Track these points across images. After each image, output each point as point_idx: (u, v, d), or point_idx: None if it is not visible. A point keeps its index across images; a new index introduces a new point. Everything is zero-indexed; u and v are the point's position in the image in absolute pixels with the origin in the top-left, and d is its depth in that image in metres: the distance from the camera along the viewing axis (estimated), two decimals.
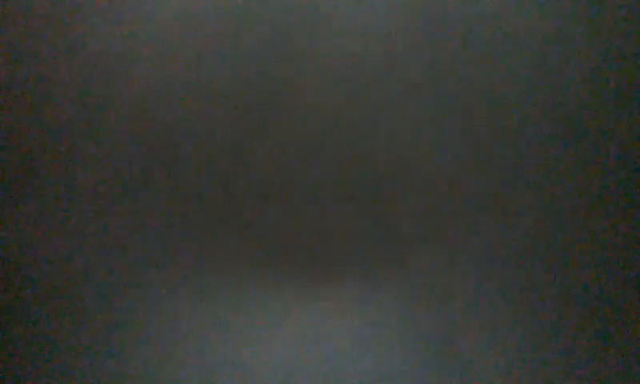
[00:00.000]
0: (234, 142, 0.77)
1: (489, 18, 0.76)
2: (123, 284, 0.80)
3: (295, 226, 0.80)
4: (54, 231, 0.78)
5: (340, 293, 0.81)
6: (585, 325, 0.82)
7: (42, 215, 0.78)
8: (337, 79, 0.76)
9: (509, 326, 0.82)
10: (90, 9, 0.75)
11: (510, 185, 0.82)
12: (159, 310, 0.80)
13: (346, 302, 0.81)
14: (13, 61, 0.75)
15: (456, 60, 0.77)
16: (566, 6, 0.77)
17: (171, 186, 0.78)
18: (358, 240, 0.82)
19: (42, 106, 0.75)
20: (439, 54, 0.76)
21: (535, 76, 0.78)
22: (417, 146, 0.79)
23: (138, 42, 0.74)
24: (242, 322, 0.80)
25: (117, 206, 0.78)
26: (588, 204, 0.83)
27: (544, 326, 0.82)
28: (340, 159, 0.80)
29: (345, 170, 0.81)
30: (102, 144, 0.77)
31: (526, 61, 0.77)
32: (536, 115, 0.79)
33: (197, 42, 0.74)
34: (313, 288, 0.81)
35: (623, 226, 0.83)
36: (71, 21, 0.74)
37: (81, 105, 0.76)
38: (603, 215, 0.83)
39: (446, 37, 0.76)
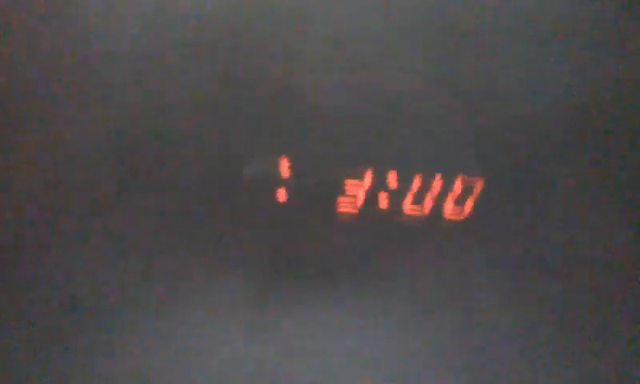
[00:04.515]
0: (233, 142, 0.76)
1: (489, 16, 0.78)
2: (123, 284, 0.79)
3: (294, 227, 0.80)
4: (54, 231, 0.78)
5: (340, 293, 0.81)
6: (585, 325, 0.82)
7: (42, 215, 0.78)
8: (335, 80, 0.77)
9: (510, 325, 0.82)
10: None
11: (510, 183, 0.81)
12: (159, 310, 0.79)
13: (346, 303, 0.80)
14: (13, 61, 0.76)
15: (457, 58, 0.77)
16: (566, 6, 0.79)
17: (171, 185, 0.78)
18: (357, 241, 0.81)
19: (42, 106, 0.76)
20: (440, 52, 0.77)
21: (536, 75, 0.79)
22: (417, 144, 0.79)
23: (134, 41, 0.75)
24: (241, 322, 0.80)
25: (116, 205, 0.77)
26: (588, 204, 0.82)
27: (546, 326, 0.82)
28: (339, 157, 0.79)
29: (343, 168, 0.80)
30: (102, 144, 0.77)
31: (526, 60, 0.78)
32: (537, 115, 0.79)
33: (192, 44, 0.76)
34: (313, 288, 0.80)
35: (623, 226, 0.82)
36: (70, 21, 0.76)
37: (80, 104, 0.77)
38: (603, 215, 0.82)
39: (447, 34, 0.77)
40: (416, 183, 0.78)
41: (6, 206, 0.78)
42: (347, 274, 0.81)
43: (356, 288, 0.81)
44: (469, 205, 0.80)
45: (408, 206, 0.79)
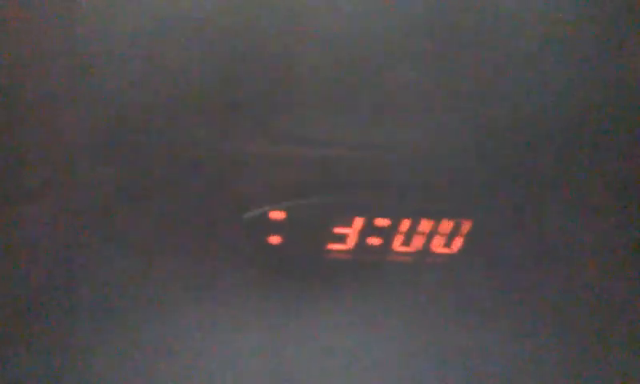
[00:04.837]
0: (232, 142, 0.76)
1: (489, 14, 0.76)
2: (124, 284, 0.79)
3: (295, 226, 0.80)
4: (54, 231, 0.78)
5: (339, 294, 0.82)
6: (585, 325, 0.83)
7: (41, 216, 0.78)
8: (334, 75, 0.76)
9: (508, 325, 0.83)
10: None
11: (509, 183, 0.81)
12: (159, 310, 0.80)
13: (345, 303, 0.82)
14: (12, 61, 0.74)
15: (456, 57, 0.76)
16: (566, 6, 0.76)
17: (170, 185, 0.77)
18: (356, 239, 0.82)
19: (41, 107, 0.75)
20: (440, 50, 0.76)
21: (535, 75, 0.77)
22: (415, 142, 0.79)
23: (132, 41, 0.74)
24: (241, 322, 0.81)
25: (116, 205, 0.77)
26: (588, 204, 0.82)
27: (544, 326, 0.84)
28: (337, 155, 0.79)
29: (342, 165, 0.79)
30: (101, 144, 0.77)
31: (526, 59, 0.77)
32: (536, 114, 0.78)
33: (189, 44, 0.74)
34: (313, 289, 0.82)
35: (623, 226, 0.82)
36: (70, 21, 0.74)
37: (78, 104, 0.76)
38: (603, 215, 0.82)
39: (447, 32, 0.76)
40: (404, 226, 0.81)
41: (6, 206, 0.77)
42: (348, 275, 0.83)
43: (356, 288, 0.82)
44: (457, 243, 0.82)
45: (398, 245, 0.82)
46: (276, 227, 0.80)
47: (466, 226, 0.81)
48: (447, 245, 0.82)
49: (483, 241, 0.82)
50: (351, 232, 0.80)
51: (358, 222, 0.80)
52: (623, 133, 0.81)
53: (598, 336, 0.85)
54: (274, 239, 0.81)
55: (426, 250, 0.82)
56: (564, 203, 0.82)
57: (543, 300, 0.84)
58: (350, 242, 0.81)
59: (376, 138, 0.78)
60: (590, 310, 0.85)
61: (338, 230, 0.80)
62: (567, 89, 0.79)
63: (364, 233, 0.80)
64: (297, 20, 0.75)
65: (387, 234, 0.81)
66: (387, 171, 0.79)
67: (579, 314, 0.84)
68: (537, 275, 0.83)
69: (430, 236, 0.81)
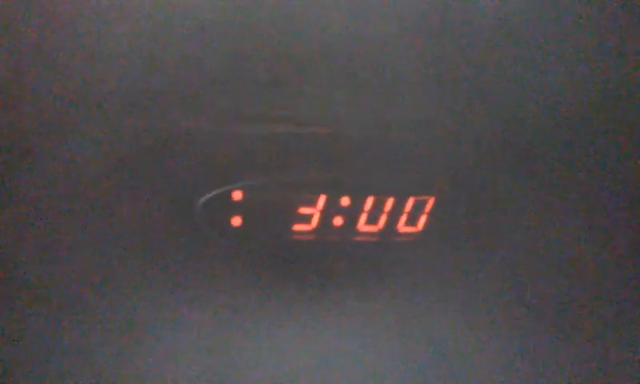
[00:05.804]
0: (232, 143, 0.76)
1: (489, 14, 0.76)
2: (123, 284, 0.79)
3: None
4: (53, 231, 0.77)
5: (339, 294, 0.82)
6: (585, 324, 0.85)
7: (40, 215, 0.77)
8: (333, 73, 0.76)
9: (505, 326, 0.84)
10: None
11: (508, 183, 0.82)
12: (159, 310, 0.80)
13: (345, 303, 0.82)
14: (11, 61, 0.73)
15: (455, 58, 0.76)
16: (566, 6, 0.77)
17: (170, 185, 0.77)
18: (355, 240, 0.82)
19: (41, 107, 0.73)
20: (439, 49, 0.76)
21: (535, 74, 0.78)
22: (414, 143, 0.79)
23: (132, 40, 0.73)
24: (241, 323, 0.81)
25: (116, 205, 0.76)
26: (588, 203, 0.83)
27: (541, 326, 0.85)
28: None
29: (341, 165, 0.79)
30: (100, 142, 0.75)
31: (525, 58, 0.77)
32: (536, 114, 0.79)
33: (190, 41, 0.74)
34: (312, 288, 0.81)
35: (623, 226, 0.83)
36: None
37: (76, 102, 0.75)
38: (603, 215, 0.83)
39: (446, 32, 0.76)
40: (369, 204, 0.80)
41: (6, 206, 0.76)
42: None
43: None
44: (422, 221, 0.82)
45: (362, 225, 0.81)
46: (237, 208, 0.78)
47: (430, 203, 0.81)
48: (412, 223, 0.81)
49: (447, 217, 0.82)
50: (315, 212, 0.78)
51: (322, 201, 0.78)
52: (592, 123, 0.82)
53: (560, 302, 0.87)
54: (236, 221, 0.78)
55: (391, 229, 0.81)
56: (529, 177, 0.83)
57: (515, 278, 0.85)
58: (314, 222, 0.79)
59: (338, 114, 0.77)
60: (557, 283, 0.86)
61: (302, 210, 0.78)
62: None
63: (328, 212, 0.79)
64: None
65: (352, 212, 0.79)
66: (351, 148, 0.78)
67: (545, 285, 0.85)
68: (506, 252, 0.84)
69: (394, 214, 0.80)
